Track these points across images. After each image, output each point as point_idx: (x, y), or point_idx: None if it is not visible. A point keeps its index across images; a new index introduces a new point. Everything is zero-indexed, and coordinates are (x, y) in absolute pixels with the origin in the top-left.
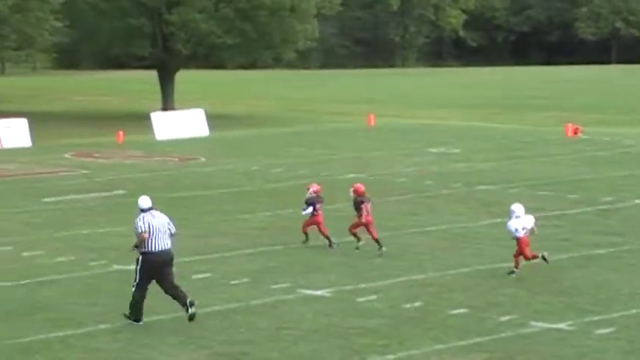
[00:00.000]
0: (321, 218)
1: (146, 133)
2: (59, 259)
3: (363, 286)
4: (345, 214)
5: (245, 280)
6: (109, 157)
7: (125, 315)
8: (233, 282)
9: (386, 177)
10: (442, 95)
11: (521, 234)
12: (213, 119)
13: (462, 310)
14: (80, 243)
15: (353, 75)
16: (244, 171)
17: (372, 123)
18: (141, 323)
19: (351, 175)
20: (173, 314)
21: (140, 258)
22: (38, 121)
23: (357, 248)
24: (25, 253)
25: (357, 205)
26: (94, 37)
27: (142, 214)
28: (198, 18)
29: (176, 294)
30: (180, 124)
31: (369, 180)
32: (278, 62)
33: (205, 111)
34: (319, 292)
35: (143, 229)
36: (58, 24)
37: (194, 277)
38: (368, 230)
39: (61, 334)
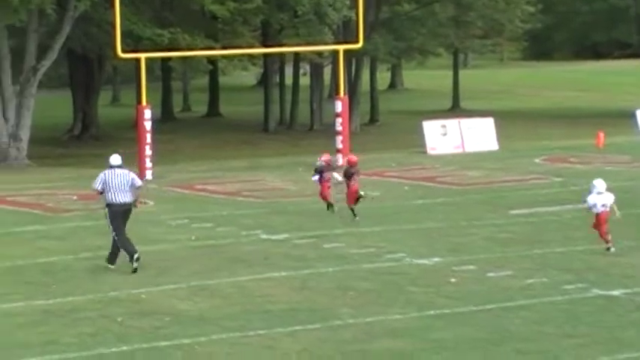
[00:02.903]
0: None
1: (631, 134)
2: (529, 280)
3: None
4: None
5: None
6: (587, 162)
7: (106, 261)
8: None
9: None
10: None
11: (599, 210)
12: None
13: None
14: (554, 262)
15: None
16: None
17: None
18: (136, 256)
19: None
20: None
21: (106, 210)
22: (504, 120)
23: None
24: (490, 274)
25: (349, 175)
26: (569, 22)
27: (105, 171)
28: None
29: (126, 241)
30: None
31: None
32: None
33: None
34: None
35: (96, 187)
36: (531, 9)
37: None
38: (350, 197)
39: None
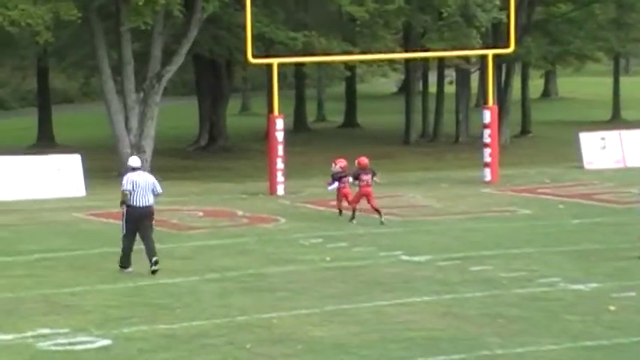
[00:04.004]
0: (348, 190)
1: None
2: None
3: None
4: None
5: None
6: None
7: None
8: None
9: None
10: None
11: None
12: None
13: None
14: None
15: None
16: None
17: None
18: (129, 269)
19: None
20: None
21: (125, 211)
22: None
23: (382, 223)
24: None
25: (357, 177)
26: None
27: (128, 173)
28: None
29: (149, 245)
30: None
31: None
32: None
33: None
34: None
35: (126, 188)
36: None
37: None
38: (368, 201)
39: None
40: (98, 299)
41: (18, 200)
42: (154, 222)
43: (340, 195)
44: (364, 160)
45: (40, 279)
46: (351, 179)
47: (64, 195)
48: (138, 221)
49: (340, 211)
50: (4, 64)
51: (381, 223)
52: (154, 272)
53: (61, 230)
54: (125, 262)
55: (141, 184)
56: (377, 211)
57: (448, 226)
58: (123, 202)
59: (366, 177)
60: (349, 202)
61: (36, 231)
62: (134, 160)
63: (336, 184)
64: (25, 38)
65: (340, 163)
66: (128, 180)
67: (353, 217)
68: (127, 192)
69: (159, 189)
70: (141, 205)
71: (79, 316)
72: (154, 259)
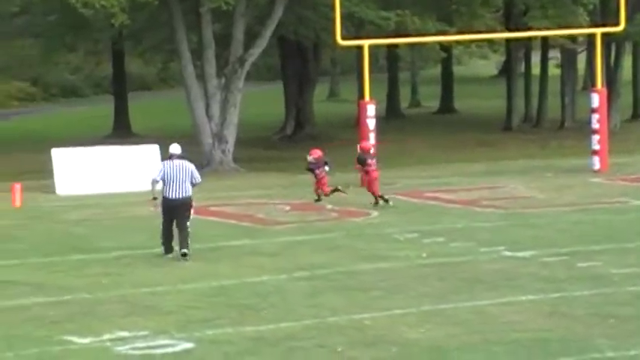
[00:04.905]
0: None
1: None
2: None
3: None
4: None
5: None
6: None
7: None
8: None
9: None
10: None
11: None
12: None
13: None
14: None
15: None
16: None
17: None
18: (169, 256)
19: None
20: None
21: (161, 200)
22: None
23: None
24: None
25: (363, 161)
26: None
27: (165, 162)
28: None
29: (181, 235)
30: None
31: None
32: None
33: None
34: None
35: (155, 177)
36: None
37: None
38: (372, 186)
39: None
40: (179, 299)
41: (93, 194)
42: (192, 212)
43: (320, 183)
44: (368, 144)
45: (118, 278)
46: (328, 168)
47: (142, 188)
48: (173, 212)
49: (319, 198)
50: (77, 49)
51: (389, 205)
52: (183, 255)
53: (140, 226)
54: (167, 249)
55: (175, 175)
56: (381, 198)
57: (553, 219)
58: (154, 198)
59: (372, 161)
60: (324, 191)
61: (113, 227)
62: (174, 147)
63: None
64: (99, 21)
65: (314, 154)
66: (161, 170)
67: (386, 201)
68: (154, 181)
69: (197, 178)
70: (174, 197)
71: (159, 317)
72: (183, 250)
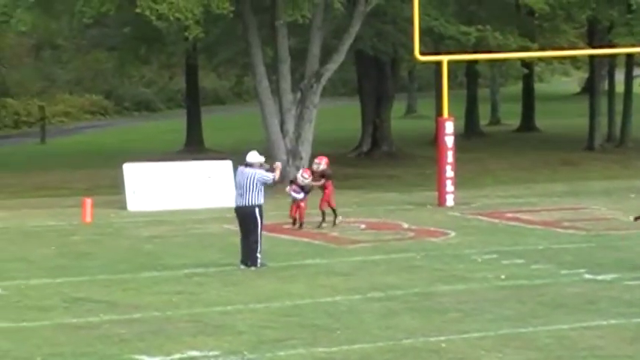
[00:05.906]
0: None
1: None
2: None
3: None
4: None
5: None
6: None
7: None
8: None
9: None
10: None
11: None
12: None
13: None
14: None
15: None
16: None
17: None
18: (242, 267)
19: None
20: None
21: None
22: None
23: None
24: None
25: (330, 177)
26: None
27: (240, 167)
28: None
29: (244, 246)
30: None
31: None
32: None
33: None
34: None
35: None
36: None
37: None
38: (332, 201)
39: None
40: (252, 319)
41: (165, 210)
42: (258, 224)
43: (295, 206)
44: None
45: (189, 296)
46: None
47: (215, 205)
48: (240, 220)
49: (295, 222)
50: (150, 62)
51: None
52: (244, 262)
53: (212, 243)
54: (243, 258)
55: (241, 182)
56: (334, 211)
57: (636, 242)
58: None
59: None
60: (301, 215)
61: (184, 244)
62: (250, 156)
63: (302, 195)
64: (173, 33)
65: (306, 172)
66: (235, 177)
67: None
68: (273, 181)
69: (266, 178)
70: (237, 205)
71: (231, 337)
72: (244, 266)
